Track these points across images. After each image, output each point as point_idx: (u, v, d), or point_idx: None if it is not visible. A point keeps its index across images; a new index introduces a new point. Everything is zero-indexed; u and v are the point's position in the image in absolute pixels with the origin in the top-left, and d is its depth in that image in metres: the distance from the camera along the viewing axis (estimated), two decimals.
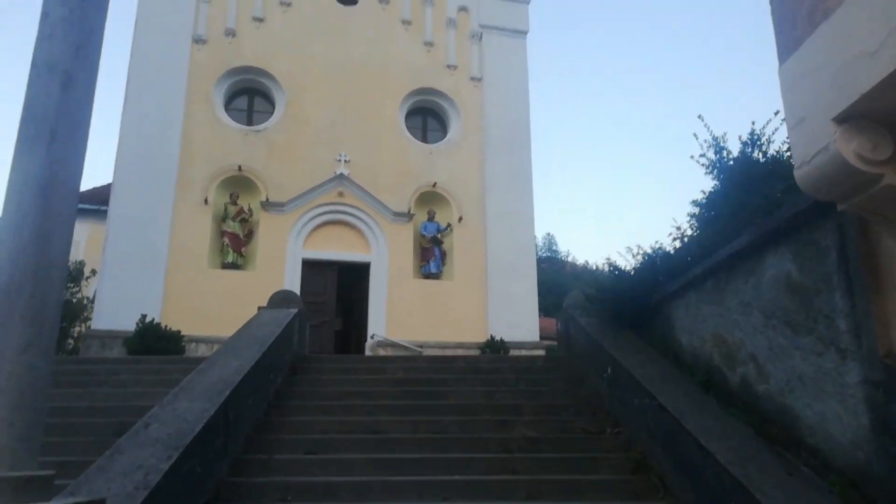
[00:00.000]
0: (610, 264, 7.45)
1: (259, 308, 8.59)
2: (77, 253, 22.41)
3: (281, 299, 8.62)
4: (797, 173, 3.67)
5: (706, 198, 7.46)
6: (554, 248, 69.25)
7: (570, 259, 69.82)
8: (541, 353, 13.76)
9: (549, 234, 68.47)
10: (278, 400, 7.20)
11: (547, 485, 5.42)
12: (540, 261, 26.92)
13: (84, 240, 23.81)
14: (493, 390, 7.51)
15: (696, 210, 7.63)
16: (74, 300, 19.39)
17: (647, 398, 5.82)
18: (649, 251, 7.19)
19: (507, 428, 6.59)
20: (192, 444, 4.49)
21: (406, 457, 5.87)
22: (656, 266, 6.98)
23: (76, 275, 19.73)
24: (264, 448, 6.06)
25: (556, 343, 10.00)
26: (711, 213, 7.25)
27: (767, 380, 5.04)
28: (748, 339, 5.38)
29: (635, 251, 7.38)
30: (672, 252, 6.90)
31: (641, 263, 7.22)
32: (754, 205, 5.80)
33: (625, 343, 7.19)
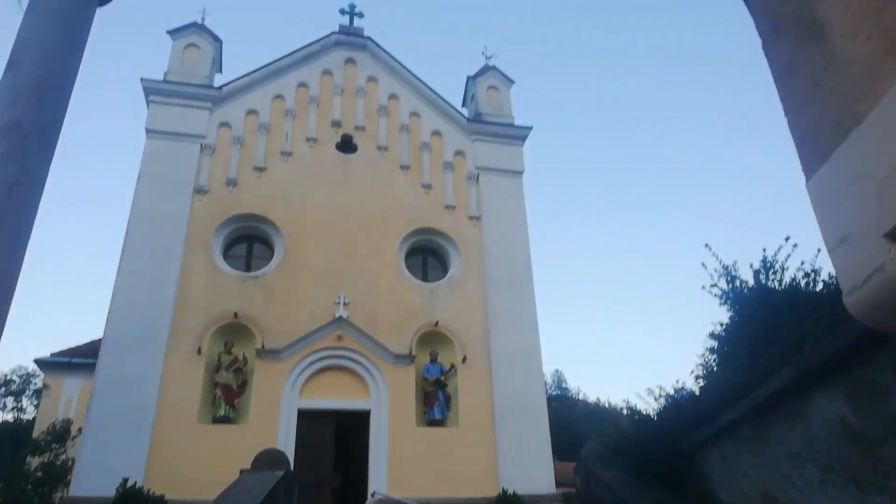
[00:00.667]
0: (630, 409, 6.66)
1: (241, 471, 7.67)
2: (67, 410, 21.48)
3: (265, 461, 7.72)
4: (848, 300, 3.08)
5: (724, 330, 6.86)
6: (563, 385, 67.22)
7: (581, 397, 67.56)
8: None
9: (557, 370, 66.80)
10: None
11: None
12: (550, 399, 25.65)
13: (76, 395, 22.91)
14: None
15: (714, 343, 6.99)
16: (59, 462, 18.17)
17: None
18: (672, 392, 6.45)
19: None
20: None
21: None
22: (682, 410, 6.20)
23: (62, 434, 18.69)
24: None
25: (573, 490, 8.90)
26: (730, 346, 6.63)
27: None
28: (805, 499, 4.51)
29: (657, 393, 6.63)
30: (698, 393, 6.15)
31: (665, 407, 6.45)
32: (786, 338, 5.17)
33: (652, 501, 6.24)
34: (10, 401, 42.70)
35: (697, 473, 6.10)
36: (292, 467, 13.95)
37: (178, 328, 14.85)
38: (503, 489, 13.98)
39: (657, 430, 6.37)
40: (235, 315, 15.25)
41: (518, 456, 14.79)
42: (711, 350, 7.05)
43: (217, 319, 15.20)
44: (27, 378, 42.03)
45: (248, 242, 17.06)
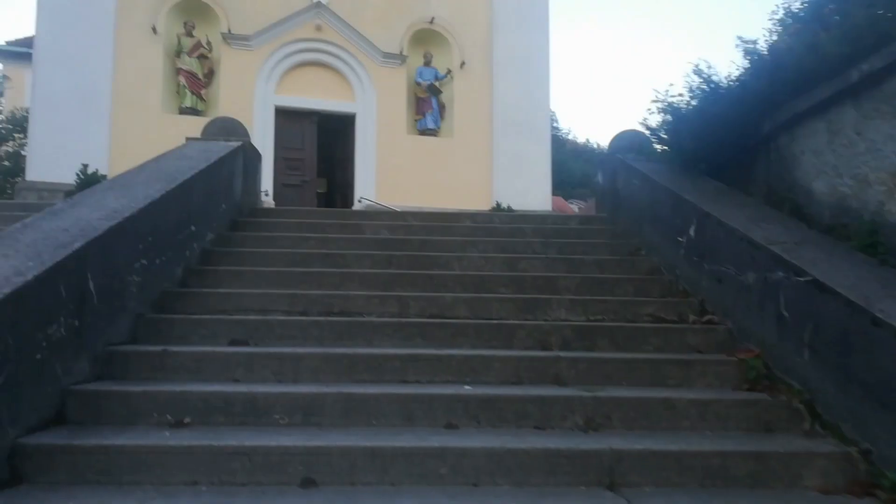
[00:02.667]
0: (698, 72, 4.82)
1: (187, 139, 6.04)
2: (23, 98, 19.41)
3: (219, 128, 6.05)
4: None
5: None
6: (555, 124, 65.44)
7: (570, 137, 66.37)
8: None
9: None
10: (204, 263, 4.85)
11: (614, 406, 3.21)
12: None
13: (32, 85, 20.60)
14: (513, 258, 5.17)
15: None
16: (23, 152, 16.76)
17: (780, 270, 3.49)
18: (762, 50, 4.58)
19: (541, 310, 4.32)
20: None
21: (386, 352, 3.63)
22: (776, 73, 4.39)
23: (22, 121, 16.93)
24: (163, 335, 3.78)
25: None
26: None
27: None
28: None
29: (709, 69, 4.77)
30: (803, 49, 4.25)
31: (748, 70, 4.64)
32: None
33: (715, 194, 4.78)
34: None
35: (776, 161, 4.57)
36: (272, 169, 12.76)
37: (124, 0, 12.22)
38: (497, 202, 12.93)
39: (732, 104, 4.64)
40: None
41: (515, 171, 13.51)
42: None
43: None
44: (3, 77, 39.00)
45: None
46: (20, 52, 20.84)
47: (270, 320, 3.97)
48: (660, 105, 5.45)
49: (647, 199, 5.46)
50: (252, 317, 4.03)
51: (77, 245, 3.15)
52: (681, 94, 5.21)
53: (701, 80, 4.78)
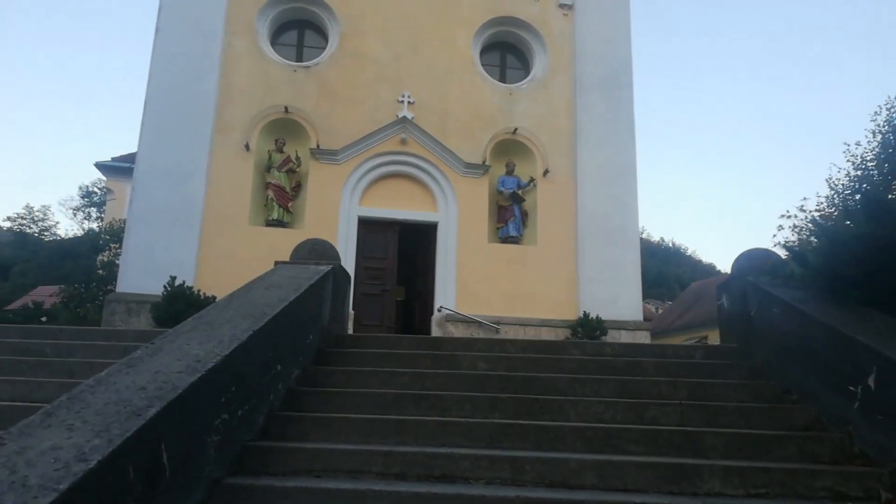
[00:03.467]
0: (866, 196, 4.12)
1: (276, 263, 5.74)
2: (123, 211, 20.56)
3: (309, 251, 5.73)
4: None
5: None
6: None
7: (644, 235, 65.19)
8: (689, 346, 10.44)
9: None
10: (288, 408, 4.32)
11: None
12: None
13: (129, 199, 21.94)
14: (638, 404, 4.38)
15: None
16: (118, 260, 17.45)
17: None
18: None
19: (688, 479, 3.49)
20: None
21: None
22: None
23: (119, 232, 17.76)
24: None
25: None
26: None
27: None
28: None
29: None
30: None
31: None
32: None
33: (891, 331, 3.92)
34: (93, 210, 43.27)
35: None
36: (353, 278, 12.55)
37: (222, 120, 12.79)
38: (584, 312, 12.14)
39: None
40: (286, 109, 12.99)
41: (603, 279, 12.74)
42: None
43: (266, 113, 13.01)
44: (106, 189, 42.41)
45: (299, 28, 14.31)
46: (124, 167, 22.44)
47: (364, 491, 3.31)
48: (798, 223, 4.74)
49: (792, 333, 4.61)
50: (344, 485, 3.38)
51: (153, 411, 2.67)
52: (828, 213, 4.48)
53: (864, 201, 4.05)
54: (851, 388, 3.86)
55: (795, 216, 9.26)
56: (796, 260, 4.77)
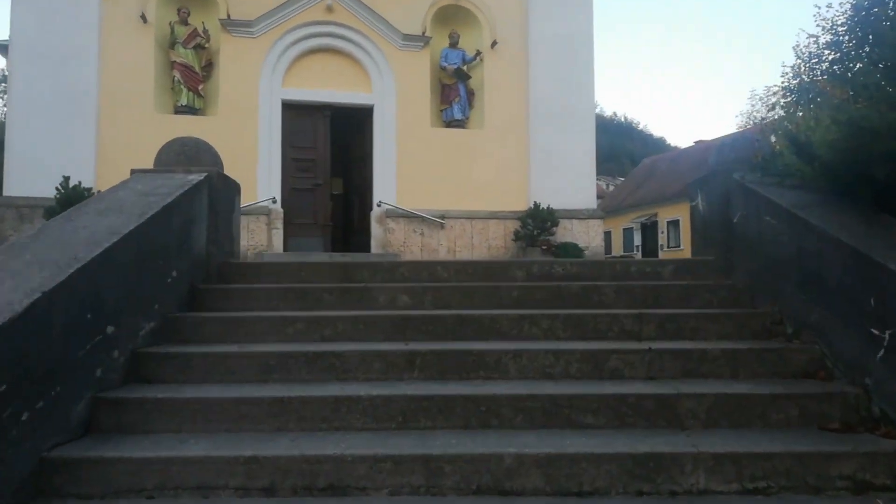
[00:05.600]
0: None
1: (132, 171, 4.30)
2: None
3: (177, 154, 4.28)
4: None
5: None
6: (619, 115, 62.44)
7: (597, 110, 63.68)
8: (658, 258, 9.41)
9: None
10: (128, 381, 3.13)
11: None
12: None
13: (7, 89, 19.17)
14: (597, 352, 3.31)
15: None
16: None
17: None
18: None
19: (664, 471, 2.51)
20: None
21: None
22: None
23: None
24: None
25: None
26: None
27: None
28: None
29: None
30: None
31: None
32: None
33: None
34: None
35: None
36: (280, 171, 11.04)
37: None
38: (535, 202, 11.05)
39: None
40: None
41: (555, 166, 11.53)
42: None
43: None
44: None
45: None
46: None
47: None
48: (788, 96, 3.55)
49: (791, 248, 3.56)
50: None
51: None
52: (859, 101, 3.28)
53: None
54: (875, 330, 2.87)
55: (787, 87, 8.03)
56: (800, 153, 3.62)
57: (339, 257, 9.74)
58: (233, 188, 4.73)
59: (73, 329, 2.75)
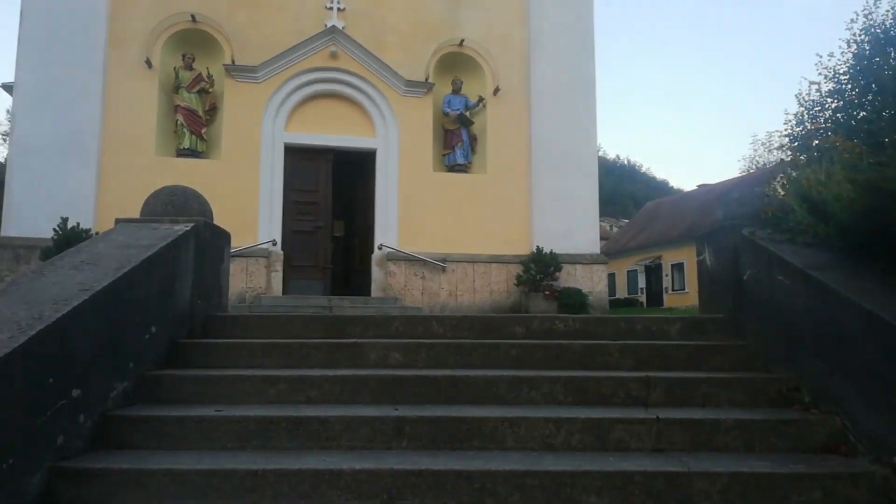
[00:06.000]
0: None
1: (117, 221, 4.14)
2: None
3: (165, 203, 4.13)
4: None
5: None
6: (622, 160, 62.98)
7: (600, 153, 64.11)
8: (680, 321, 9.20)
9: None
10: (94, 448, 2.89)
11: None
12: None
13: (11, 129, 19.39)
14: (600, 420, 3.07)
15: None
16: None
17: None
18: None
19: None
20: None
21: None
22: None
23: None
24: None
25: None
26: None
27: None
28: None
29: None
30: None
31: None
32: None
33: None
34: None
35: None
36: (281, 213, 10.91)
37: (116, 31, 10.59)
38: (538, 247, 10.87)
39: None
40: (193, 18, 10.81)
41: (558, 210, 11.40)
42: None
43: (169, 23, 10.81)
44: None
45: None
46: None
47: None
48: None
49: (806, 311, 3.34)
50: None
51: None
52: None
53: None
54: None
55: (791, 135, 7.83)
56: (813, 210, 3.44)
57: (336, 302, 9.53)
58: (222, 238, 4.56)
59: (32, 395, 2.53)
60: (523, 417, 3.06)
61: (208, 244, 4.24)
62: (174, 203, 4.13)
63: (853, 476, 2.68)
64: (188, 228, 3.99)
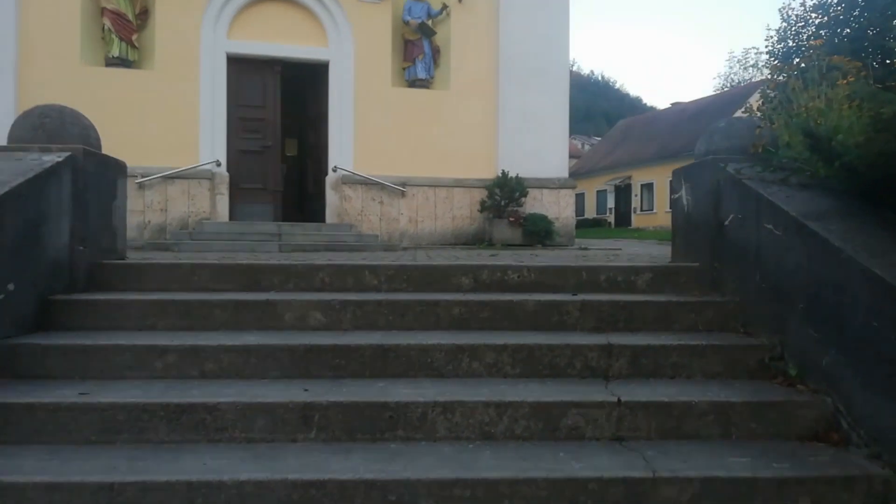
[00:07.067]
0: None
1: None
2: None
3: (34, 127, 3.30)
4: None
5: None
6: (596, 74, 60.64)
7: (574, 68, 61.97)
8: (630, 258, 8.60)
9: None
10: None
11: None
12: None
13: None
14: (553, 404, 2.52)
15: None
16: None
17: None
18: None
19: None
20: None
21: None
22: None
23: None
24: None
25: None
26: None
27: None
28: None
29: None
30: None
31: None
32: None
33: None
34: None
35: None
36: (225, 131, 9.89)
37: None
38: (503, 171, 10.16)
39: None
40: None
41: (525, 130, 10.59)
42: None
43: None
44: None
45: None
46: None
47: None
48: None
49: (800, 267, 2.78)
50: None
51: None
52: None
53: None
54: None
55: (772, 51, 6.98)
56: (816, 148, 2.80)
57: (287, 229, 8.79)
58: (113, 169, 3.75)
59: None
60: (459, 402, 2.49)
61: (93, 178, 3.44)
62: (46, 127, 3.30)
63: (847, 480, 2.19)
64: (61, 159, 3.18)
